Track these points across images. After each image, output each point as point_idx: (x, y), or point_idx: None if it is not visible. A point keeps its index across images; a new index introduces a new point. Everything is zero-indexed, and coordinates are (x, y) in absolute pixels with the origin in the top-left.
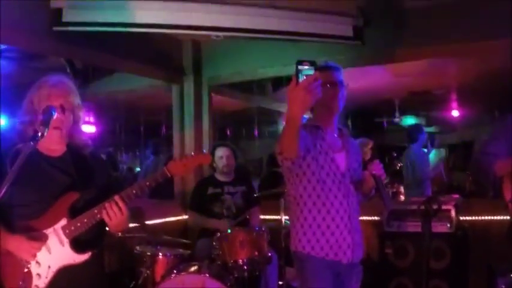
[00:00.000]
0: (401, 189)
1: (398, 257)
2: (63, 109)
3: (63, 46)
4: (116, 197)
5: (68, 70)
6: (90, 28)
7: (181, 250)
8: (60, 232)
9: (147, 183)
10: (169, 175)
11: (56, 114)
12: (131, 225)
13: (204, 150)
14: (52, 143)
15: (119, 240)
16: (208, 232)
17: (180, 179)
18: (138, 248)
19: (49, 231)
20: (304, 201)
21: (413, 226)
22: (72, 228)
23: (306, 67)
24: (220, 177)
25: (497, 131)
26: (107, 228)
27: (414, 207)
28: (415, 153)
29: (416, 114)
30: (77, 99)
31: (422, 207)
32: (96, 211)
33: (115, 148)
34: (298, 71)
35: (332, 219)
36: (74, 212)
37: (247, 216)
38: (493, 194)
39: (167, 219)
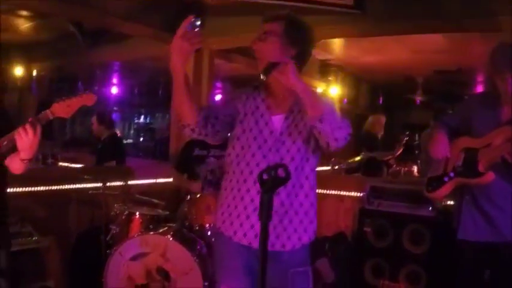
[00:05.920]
0: (414, 168)
1: (376, 236)
2: None
3: (62, 6)
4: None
5: (72, 29)
6: None
7: (160, 211)
8: None
9: (30, 120)
10: (51, 117)
11: None
12: (116, 183)
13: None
14: None
15: (103, 198)
16: None
17: (175, 141)
18: (115, 206)
19: None
20: (230, 167)
21: (394, 206)
22: None
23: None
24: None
25: (458, 107)
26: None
27: (397, 186)
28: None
29: (444, 94)
30: None
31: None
32: None
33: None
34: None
35: (247, 191)
36: None
37: None
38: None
39: (159, 181)
